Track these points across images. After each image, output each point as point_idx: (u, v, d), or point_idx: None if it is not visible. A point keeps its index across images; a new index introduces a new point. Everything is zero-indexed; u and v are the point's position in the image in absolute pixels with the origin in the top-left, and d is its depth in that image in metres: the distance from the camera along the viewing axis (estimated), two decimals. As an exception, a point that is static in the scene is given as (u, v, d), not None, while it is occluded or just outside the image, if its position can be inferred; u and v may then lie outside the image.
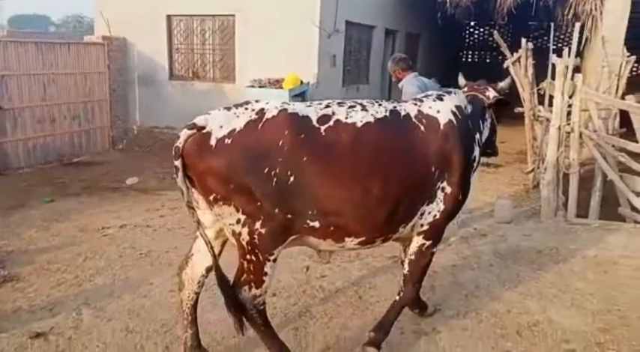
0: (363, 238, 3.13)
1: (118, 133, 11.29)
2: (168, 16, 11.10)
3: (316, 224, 2.93)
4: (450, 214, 3.34)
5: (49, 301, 4.20)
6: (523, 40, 7.95)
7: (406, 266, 3.51)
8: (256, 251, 2.90)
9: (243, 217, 2.82)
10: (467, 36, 22.87)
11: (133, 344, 3.57)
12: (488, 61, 22.19)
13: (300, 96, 9.77)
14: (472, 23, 21.82)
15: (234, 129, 2.78)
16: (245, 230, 2.84)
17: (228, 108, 2.90)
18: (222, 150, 2.75)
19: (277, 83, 9.51)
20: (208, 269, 3.22)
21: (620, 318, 3.84)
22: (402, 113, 3.21)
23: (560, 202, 6.19)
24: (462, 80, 4.05)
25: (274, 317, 3.90)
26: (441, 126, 3.22)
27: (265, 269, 2.96)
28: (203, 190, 2.86)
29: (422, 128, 3.18)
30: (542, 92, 8.06)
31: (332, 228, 2.99)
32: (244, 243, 2.89)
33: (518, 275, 4.62)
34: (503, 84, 3.88)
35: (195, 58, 11.28)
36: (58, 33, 36.23)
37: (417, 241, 3.39)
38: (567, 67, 6.15)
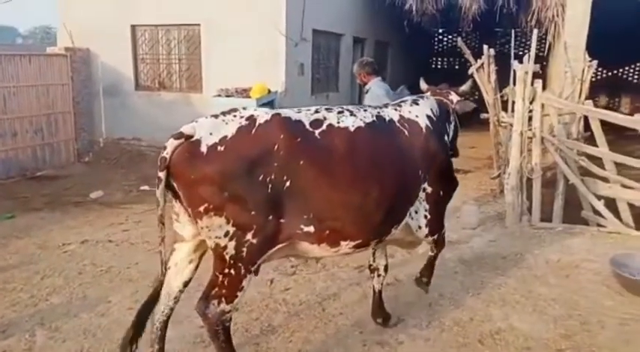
0: (360, 241, 3.13)
1: (84, 146, 11.06)
2: (133, 27, 10.93)
3: (311, 229, 2.89)
4: (437, 211, 3.54)
5: (3, 322, 4.04)
6: (485, 47, 8.04)
7: (432, 247, 3.84)
8: (239, 264, 2.80)
9: (232, 229, 2.72)
10: (436, 43, 23.10)
11: (88, 366, 3.46)
12: (457, 67, 22.40)
13: (268, 105, 9.68)
14: (440, 30, 22.05)
15: (226, 136, 2.69)
16: (232, 243, 2.74)
17: (216, 116, 2.80)
18: (215, 157, 2.65)
19: (245, 92, 9.44)
20: (185, 284, 3.14)
21: (581, 324, 3.86)
22: (387, 118, 3.33)
23: (525, 207, 6.23)
24: (423, 85, 4.20)
25: (235, 333, 3.82)
26: (423, 130, 3.41)
27: (243, 284, 2.87)
28: (192, 201, 2.73)
29: (406, 132, 3.34)
30: (505, 98, 8.16)
31: (328, 232, 2.96)
32: (227, 256, 2.78)
33: (482, 282, 4.62)
34: (464, 87, 4.03)
35: (161, 68, 11.14)
36: (25, 45, 35.56)
37: (428, 240, 3.66)
38: (527, 73, 6.21)
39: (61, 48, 10.75)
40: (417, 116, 3.44)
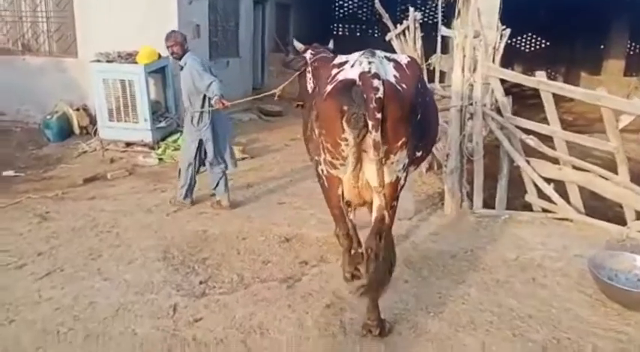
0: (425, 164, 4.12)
1: None
2: (-15, -25, 8.91)
3: (420, 153, 3.33)
4: None
5: None
6: (411, 10, 7.21)
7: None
8: (400, 191, 3.10)
9: (407, 160, 2.99)
10: (337, 9, 22.34)
11: None
12: (358, 34, 21.97)
13: (160, 72, 8.36)
14: (340, -5, 21.41)
15: (396, 75, 2.92)
16: (404, 174, 3.04)
17: (362, 57, 2.93)
18: (406, 95, 2.88)
19: (130, 57, 7.98)
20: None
21: (575, 352, 3.12)
22: None
23: (465, 191, 5.50)
24: (299, 44, 4.77)
25: (127, 403, 2.69)
26: None
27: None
28: (396, 137, 2.85)
29: None
30: (431, 68, 7.42)
31: (424, 156, 3.57)
32: (399, 186, 3.07)
33: (440, 295, 3.76)
34: (331, 46, 4.81)
35: (25, 28, 9.21)
36: None
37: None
38: (466, 38, 5.39)
39: None
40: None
